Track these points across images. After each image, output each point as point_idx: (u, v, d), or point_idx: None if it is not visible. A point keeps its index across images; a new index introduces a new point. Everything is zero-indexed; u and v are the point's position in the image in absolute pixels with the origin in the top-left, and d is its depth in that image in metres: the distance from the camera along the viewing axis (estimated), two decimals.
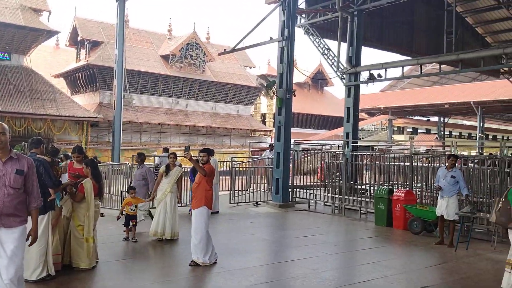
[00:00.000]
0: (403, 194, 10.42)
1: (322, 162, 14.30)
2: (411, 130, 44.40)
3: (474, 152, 24.83)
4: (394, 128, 39.70)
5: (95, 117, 26.63)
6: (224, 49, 17.47)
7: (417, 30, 19.74)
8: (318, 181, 14.59)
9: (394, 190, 10.88)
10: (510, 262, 5.05)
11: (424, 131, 45.61)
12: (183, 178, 9.11)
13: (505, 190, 5.09)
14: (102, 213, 10.95)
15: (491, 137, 44.23)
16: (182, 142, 31.70)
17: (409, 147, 12.40)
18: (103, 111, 28.42)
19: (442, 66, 16.57)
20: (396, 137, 39.08)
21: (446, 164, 8.88)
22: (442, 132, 37.31)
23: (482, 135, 31.12)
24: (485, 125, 37.36)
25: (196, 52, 33.51)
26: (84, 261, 6.18)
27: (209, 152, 7.03)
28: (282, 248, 8.39)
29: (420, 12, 19.39)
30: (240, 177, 14.62)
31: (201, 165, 6.69)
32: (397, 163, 11.90)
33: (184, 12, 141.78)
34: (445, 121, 37.46)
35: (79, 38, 30.85)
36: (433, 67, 30.38)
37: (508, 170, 9.64)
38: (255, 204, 13.56)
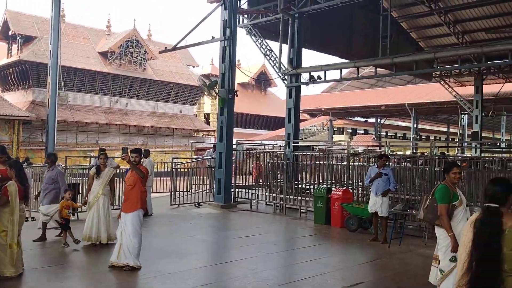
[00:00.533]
0: (340, 193, 10.72)
1: (256, 162, 14.44)
2: (350, 130, 45.99)
3: (408, 152, 26.08)
4: (335, 129, 40.92)
5: (27, 116, 25.23)
6: (165, 47, 17.17)
7: (355, 34, 20.39)
8: (255, 181, 14.70)
9: (333, 189, 11.17)
10: (437, 257, 5.30)
11: (363, 131, 47.41)
12: (115, 179, 8.75)
13: (434, 188, 5.34)
14: (33, 218, 10.40)
15: (424, 137, 46.73)
16: (122, 143, 30.78)
17: (347, 147, 12.80)
18: (36, 109, 26.98)
19: (378, 69, 17.31)
20: (336, 137, 40.31)
21: (377, 163, 9.21)
22: (379, 133, 38.92)
23: (415, 136, 32.80)
24: (419, 126, 39.46)
25: (136, 49, 32.69)
26: (9, 269, 5.80)
27: (141, 152, 6.84)
28: (222, 249, 8.35)
29: (358, 17, 20.06)
30: (182, 178, 14.40)
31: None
32: (336, 163, 12.24)
33: (125, 8, 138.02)
34: (382, 122, 39.10)
35: (10, 33, 29.10)
36: (371, 70, 31.63)
37: (438, 169, 10.20)
38: (196, 205, 13.41)
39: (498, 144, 30.07)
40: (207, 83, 13.59)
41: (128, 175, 6.72)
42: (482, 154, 19.81)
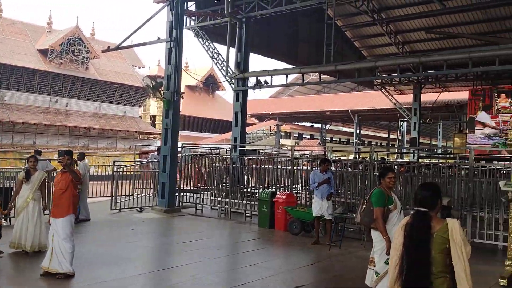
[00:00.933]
0: (284, 197, 10.83)
1: (197, 166, 14.30)
2: (297, 135, 46.78)
3: (351, 157, 26.91)
4: (282, 133, 41.47)
5: None
6: (108, 46, 16.65)
7: (301, 40, 20.78)
8: (196, 186, 14.50)
9: (277, 193, 11.27)
10: (373, 259, 5.47)
11: (309, 136, 48.37)
12: (46, 183, 8.28)
13: (370, 192, 5.50)
14: None
15: (367, 143, 48.38)
16: (61, 144, 29.48)
17: (295, 151, 12.98)
18: None
19: (323, 75, 17.74)
20: (283, 141, 40.84)
21: (319, 167, 9.40)
22: (324, 138, 39.87)
23: (358, 141, 33.90)
24: (362, 132, 40.82)
25: (78, 47, 31.50)
26: None
27: (71, 154, 6.55)
28: (163, 255, 8.16)
29: (304, 24, 20.47)
30: (125, 182, 13.99)
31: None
32: (281, 167, 12.37)
33: (68, 6, 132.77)
34: (327, 128, 40.11)
35: None
36: (317, 77, 32.37)
37: (377, 174, 10.56)
38: (139, 210, 13.05)
39: (434, 150, 31.75)
40: (152, 85, 13.30)
41: (58, 178, 6.39)
42: (420, 160, 20.77)
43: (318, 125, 41.90)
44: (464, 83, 23.92)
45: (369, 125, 44.56)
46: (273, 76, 15.04)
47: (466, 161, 10.49)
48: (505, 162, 12.32)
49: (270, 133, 41.72)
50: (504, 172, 9.55)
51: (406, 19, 20.61)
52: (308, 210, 10.43)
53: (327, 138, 43.21)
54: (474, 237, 8.78)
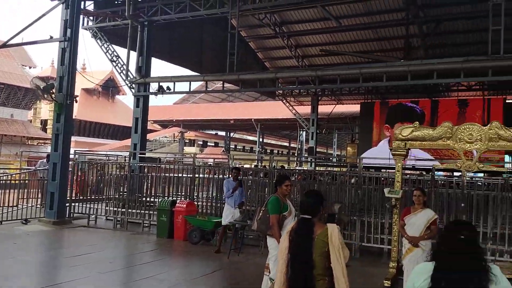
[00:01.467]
0: (184, 205, 10.63)
1: (79, 174, 13.53)
2: (202, 143, 46.60)
3: (253, 165, 27.43)
4: (186, 141, 40.98)
5: None
6: None
7: (205, 48, 20.77)
8: (76, 196, 13.63)
9: (177, 201, 11.02)
10: (268, 266, 5.55)
11: (213, 144, 48.44)
12: None
13: (266, 200, 5.59)
14: None
15: (269, 151, 49.74)
16: None
17: (198, 159, 12.81)
18: None
19: (227, 84, 17.87)
20: (187, 149, 40.36)
21: (231, 176, 9.44)
22: (228, 146, 40.18)
23: (260, 149, 34.70)
24: (265, 140, 41.90)
25: None
26: None
27: None
28: (49, 271, 7.51)
29: (209, 32, 20.50)
30: (9, 191, 12.71)
31: None
32: (182, 175, 12.12)
33: None
34: (231, 136, 40.50)
35: None
36: (222, 85, 32.59)
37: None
38: (23, 222, 11.91)
39: (330, 158, 33.61)
40: (42, 86, 12.29)
41: None
42: (316, 168, 21.79)
43: (223, 133, 42.15)
44: (357, 97, 25.68)
45: (271, 134, 45.89)
46: (176, 83, 14.77)
47: (357, 169, 11.19)
48: (390, 170, 13.36)
49: (174, 140, 40.99)
50: (390, 179, 10.34)
51: (306, 34, 21.64)
52: (209, 218, 10.40)
53: (231, 146, 43.60)
54: (362, 241, 9.36)
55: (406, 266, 6.01)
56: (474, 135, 6.92)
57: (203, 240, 10.07)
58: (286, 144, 51.48)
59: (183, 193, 12.12)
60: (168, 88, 14.79)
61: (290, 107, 26.22)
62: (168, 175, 12.31)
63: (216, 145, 48.15)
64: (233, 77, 14.00)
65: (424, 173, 15.82)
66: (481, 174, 13.65)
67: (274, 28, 20.86)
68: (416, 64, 11.05)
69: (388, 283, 6.63)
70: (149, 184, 12.86)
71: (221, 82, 18.35)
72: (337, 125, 27.96)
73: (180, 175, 12.12)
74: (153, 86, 15.28)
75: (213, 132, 44.67)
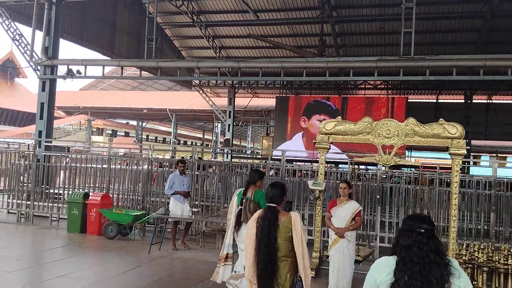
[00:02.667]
0: (99, 198, 10.00)
1: None
2: (111, 132, 44.37)
3: (167, 156, 26.77)
4: (93, 129, 38.70)
5: None
6: None
7: (119, 31, 19.76)
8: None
9: (91, 194, 10.33)
10: (222, 257, 5.57)
11: (123, 133, 46.39)
12: None
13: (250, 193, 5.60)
14: None
15: (183, 142, 48.95)
16: None
17: (107, 149, 12.07)
18: None
19: (143, 72, 17.08)
20: (95, 138, 38.19)
21: (178, 169, 9.00)
22: (140, 136, 38.73)
23: (175, 140, 33.94)
24: (178, 131, 41.01)
25: None
26: None
27: None
28: None
29: (122, 14, 19.51)
30: None
31: None
32: (95, 166, 11.37)
33: None
34: (144, 126, 39.05)
35: None
36: (134, 72, 31.23)
37: (197, 173, 10.61)
38: None
39: (244, 150, 33.93)
40: None
41: None
42: (233, 160, 21.87)
43: (134, 123, 40.50)
44: (272, 91, 26.16)
45: (185, 124, 45.10)
46: (87, 66, 13.79)
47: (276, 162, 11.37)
48: (313, 163, 13.77)
49: (80, 128, 38.50)
50: (308, 172, 10.63)
51: (224, 25, 21.46)
52: (126, 211, 9.89)
53: (143, 136, 42.06)
54: None
55: (333, 257, 6.19)
56: (391, 131, 7.30)
57: (119, 234, 9.56)
58: (200, 135, 51.00)
59: (96, 185, 11.37)
60: (78, 71, 13.78)
61: (207, 99, 25.93)
62: (80, 165, 11.46)
63: (127, 134, 46.18)
64: (152, 64, 13.43)
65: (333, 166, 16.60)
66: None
67: (191, 17, 20.37)
68: (334, 61, 11.48)
69: (312, 273, 6.79)
70: (58, 176, 11.88)
71: (135, 68, 17.53)
72: (253, 117, 28.25)
73: (93, 165, 11.35)
74: (61, 70, 14.11)
75: (124, 121, 42.74)
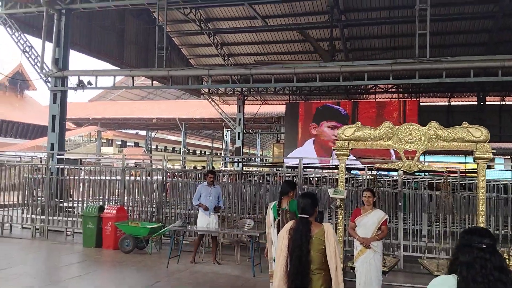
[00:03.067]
0: (114, 211, 9.86)
1: None
2: (120, 143, 44.42)
3: (177, 166, 26.68)
4: (103, 141, 38.76)
5: None
6: None
7: (127, 41, 19.77)
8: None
9: (105, 207, 10.19)
10: (271, 273, 5.46)
11: (133, 144, 46.44)
12: None
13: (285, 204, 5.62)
14: None
15: (192, 151, 48.90)
16: None
17: (120, 160, 11.95)
18: None
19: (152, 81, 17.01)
20: (105, 149, 38.20)
21: (206, 181, 8.81)
22: (150, 146, 38.72)
23: (185, 150, 33.84)
24: (187, 140, 40.97)
25: None
26: None
27: None
28: None
29: (131, 24, 19.52)
30: None
31: None
32: (109, 178, 11.23)
33: None
34: (153, 135, 39.05)
35: None
36: (142, 82, 31.25)
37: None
38: None
39: (253, 158, 33.75)
40: None
41: None
42: (244, 168, 21.69)
43: (143, 133, 40.51)
44: (281, 97, 26.00)
45: (194, 133, 45.10)
46: (98, 77, 13.73)
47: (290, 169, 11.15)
48: (332, 170, 13.56)
49: (90, 140, 38.58)
50: (327, 179, 10.39)
51: (232, 32, 21.39)
52: (142, 224, 9.73)
53: (152, 146, 42.06)
54: None
55: (359, 269, 5.97)
56: (414, 135, 7.07)
57: (136, 248, 9.40)
58: (209, 144, 50.93)
59: (111, 198, 11.23)
60: (89, 82, 13.71)
61: (216, 107, 25.83)
62: (94, 178, 11.33)
63: (136, 145, 46.20)
64: (163, 73, 13.31)
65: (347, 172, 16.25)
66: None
67: (199, 25, 20.33)
68: (347, 65, 11.27)
69: None
70: (74, 189, 11.77)
71: (144, 77, 17.47)
72: (262, 125, 28.07)
73: (106, 177, 11.21)
74: (72, 81, 14.07)
75: (134, 131, 42.78)
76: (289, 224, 3.68)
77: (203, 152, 53.37)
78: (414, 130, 7.10)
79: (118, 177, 11.02)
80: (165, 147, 49.37)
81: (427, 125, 7.05)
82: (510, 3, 15.47)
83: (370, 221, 6.07)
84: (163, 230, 9.48)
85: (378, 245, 5.96)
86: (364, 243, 5.93)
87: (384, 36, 19.56)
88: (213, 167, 11.88)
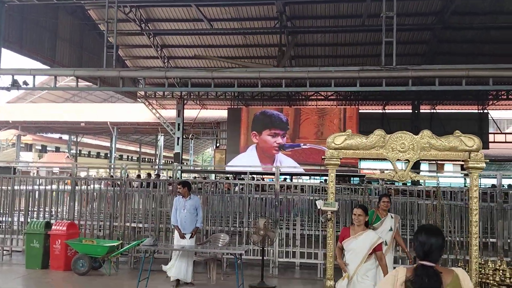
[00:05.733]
0: (64, 228, 8.62)
1: None
2: (40, 147, 40.82)
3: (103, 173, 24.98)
4: (22, 145, 35.29)
5: None
6: None
7: (61, 39, 18.06)
8: None
9: (53, 222, 8.90)
10: None
11: (54, 149, 42.94)
12: None
13: None
14: None
15: (119, 156, 46.33)
16: None
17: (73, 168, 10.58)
18: None
19: (86, 83, 15.59)
20: (23, 155, 34.79)
21: (179, 192, 7.75)
22: (76, 151, 35.97)
23: (116, 155, 31.84)
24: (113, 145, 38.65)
25: None
26: None
27: None
28: None
29: (64, 21, 17.88)
30: None
31: None
32: (58, 188, 9.86)
33: None
34: (79, 140, 36.32)
35: None
36: (66, 84, 28.82)
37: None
38: None
39: (186, 164, 32.65)
40: None
41: None
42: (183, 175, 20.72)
43: (67, 137, 37.56)
44: (222, 102, 25.39)
45: (121, 138, 42.79)
46: (36, 76, 12.19)
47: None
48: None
49: (8, 145, 34.95)
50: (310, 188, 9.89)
51: (173, 34, 20.46)
52: (98, 242, 8.60)
53: (76, 152, 39.12)
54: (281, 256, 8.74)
55: None
56: (406, 144, 6.88)
57: (92, 269, 8.26)
58: (135, 148, 48.57)
59: (51, 210, 9.85)
60: (25, 82, 12.13)
61: (154, 110, 24.57)
62: (36, 188, 9.89)
63: (57, 150, 42.81)
64: (113, 73, 12.15)
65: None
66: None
67: (139, 24, 19.16)
68: (313, 71, 11.00)
69: None
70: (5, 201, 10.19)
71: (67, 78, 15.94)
72: (200, 130, 27.19)
73: (51, 187, 9.84)
74: (5, 80, 12.33)
75: (57, 135, 39.54)
76: (401, 273, 2.75)
77: (130, 158, 50.94)
78: (407, 139, 6.89)
79: (68, 187, 9.73)
80: (89, 152, 46.35)
81: (420, 134, 6.89)
82: (450, 16, 16.30)
83: (360, 245, 5.28)
84: (124, 248, 8.45)
85: (370, 274, 5.21)
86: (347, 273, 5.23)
87: (327, 44, 19.79)
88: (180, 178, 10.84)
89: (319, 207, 7.07)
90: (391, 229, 5.84)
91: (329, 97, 23.38)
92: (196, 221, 7.60)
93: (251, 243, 8.07)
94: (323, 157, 7.31)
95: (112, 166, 22.03)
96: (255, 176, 20.35)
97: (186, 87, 17.07)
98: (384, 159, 7.15)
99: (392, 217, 5.90)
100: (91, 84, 19.03)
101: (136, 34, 20.43)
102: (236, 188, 10.37)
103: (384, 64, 10.30)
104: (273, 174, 19.40)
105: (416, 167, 13.70)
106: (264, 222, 7.56)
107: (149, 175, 17.96)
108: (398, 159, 6.94)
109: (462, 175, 18.57)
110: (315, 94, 23.03)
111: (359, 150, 7.05)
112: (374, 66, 11.02)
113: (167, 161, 44.56)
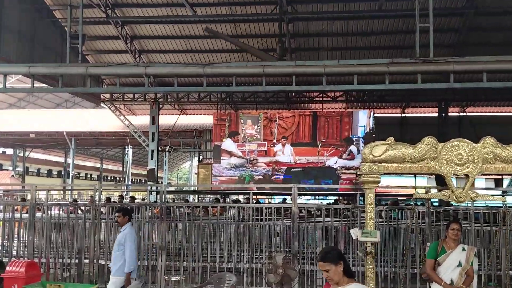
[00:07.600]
0: (23, 269, 8.09)
1: None
2: None
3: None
4: None
5: None
6: None
7: (7, 30, 17.56)
8: None
9: (7, 262, 8.39)
10: None
11: None
12: None
13: None
14: None
15: (77, 174, 45.40)
16: None
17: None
18: None
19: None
20: None
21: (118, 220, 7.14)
22: (24, 169, 35.07)
23: (75, 173, 31.13)
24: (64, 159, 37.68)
25: None
26: None
27: None
28: None
29: (12, 14, 17.42)
30: None
31: None
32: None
33: None
34: (26, 155, 35.39)
35: None
36: (11, 84, 27.99)
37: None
38: None
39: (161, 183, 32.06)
40: None
41: None
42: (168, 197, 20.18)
43: (11, 151, 36.70)
44: (208, 106, 24.94)
45: (77, 152, 42.00)
46: None
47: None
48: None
49: None
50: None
51: (147, 22, 20.03)
52: (66, 285, 8.10)
53: (21, 169, 38.15)
54: None
55: None
56: (464, 155, 6.61)
57: None
58: (96, 165, 47.71)
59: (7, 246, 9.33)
60: None
61: (122, 117, 24.07)
62: None
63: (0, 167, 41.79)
64: (79, 70, 11.70)
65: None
66: None
67: (105, 10, 18.65)
68: (332, 65, 10.70)
69: None
70: None
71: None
72: (180, 140, 26.72)
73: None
74: None
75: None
76: None
77: (88, 176, 50.08)
78: (465, 149, 6.64)
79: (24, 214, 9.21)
80: (39, 169, 45.30)
81: (481, 141, 6.65)
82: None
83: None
84: None
85: None
86: None
87: (335, 34, 19.59)
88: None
89: (354, 237, 6.77)
90: (459, 265, 5.53)
91: (337, 99, 23.11)
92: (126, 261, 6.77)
93: (265, 284, 7.68)
94: (358, 172, 6.99)
95: (79, 187, 21.43)
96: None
97: (170, 86, 16.43)
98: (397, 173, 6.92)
99: (464, 249, 5.60)
100: (45, 85, 18.47)
101: (100, 23, 20.00)
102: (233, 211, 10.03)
103: (418, 56, 10.06)
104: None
105: None
106: (283, 258, 7.17)
107: (132, 198, 17.43)
108: (454, 174, 6.67)
109: None
110: (321, 95, 22.77)
111: (405, 164, 6.75)
112: (406, 58, 10.77)
113: (136, 179, 43.92)
